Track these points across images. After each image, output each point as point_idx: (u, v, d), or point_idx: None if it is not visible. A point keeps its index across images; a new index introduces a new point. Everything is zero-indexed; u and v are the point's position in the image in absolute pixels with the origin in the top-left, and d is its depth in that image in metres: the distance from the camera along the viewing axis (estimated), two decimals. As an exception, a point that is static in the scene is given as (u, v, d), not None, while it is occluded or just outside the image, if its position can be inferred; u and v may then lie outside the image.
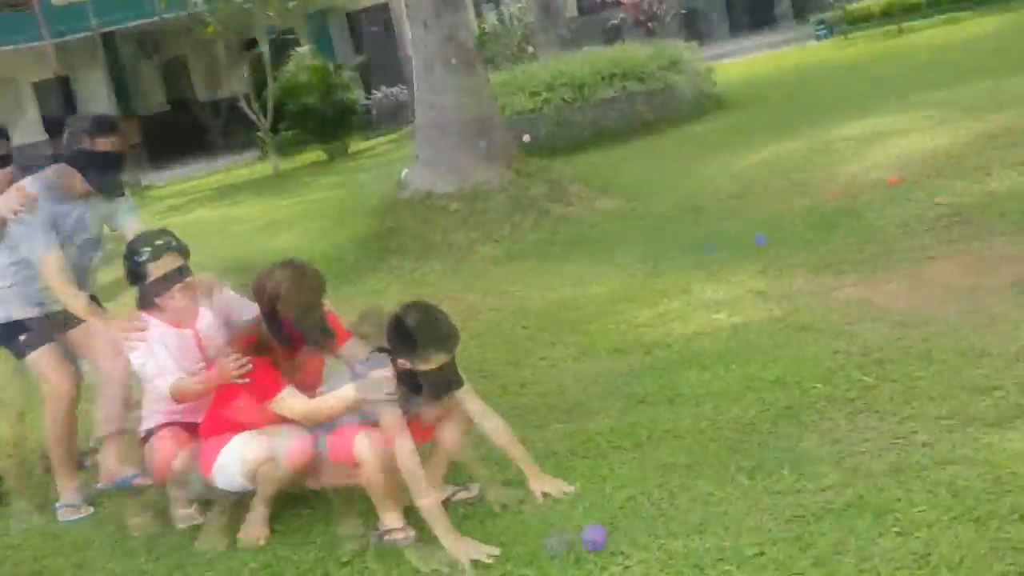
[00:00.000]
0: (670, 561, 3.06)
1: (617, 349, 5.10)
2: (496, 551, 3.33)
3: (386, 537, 3.57)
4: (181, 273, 3.89)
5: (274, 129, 19.52)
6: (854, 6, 19.91)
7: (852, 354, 4.30)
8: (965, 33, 16.01)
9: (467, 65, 8.66)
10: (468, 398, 3.60)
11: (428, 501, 3.38)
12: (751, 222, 6.96)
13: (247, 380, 3.59)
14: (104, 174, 4.24)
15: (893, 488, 3.18)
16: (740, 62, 18.65)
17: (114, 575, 3.81)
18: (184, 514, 4.11)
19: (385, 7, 25.93)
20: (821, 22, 20.04)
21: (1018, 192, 6.22)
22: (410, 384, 3.46)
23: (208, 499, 4.02)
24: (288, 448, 3.62)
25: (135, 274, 3.89)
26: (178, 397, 3.83)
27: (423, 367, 3.40)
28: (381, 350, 3.56)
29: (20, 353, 4.34)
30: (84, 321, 4.36)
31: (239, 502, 3.93)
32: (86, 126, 4.19)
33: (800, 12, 23.72)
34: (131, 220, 4.48)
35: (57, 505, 4.41)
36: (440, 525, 3.36)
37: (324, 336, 3.69)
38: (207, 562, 3.70)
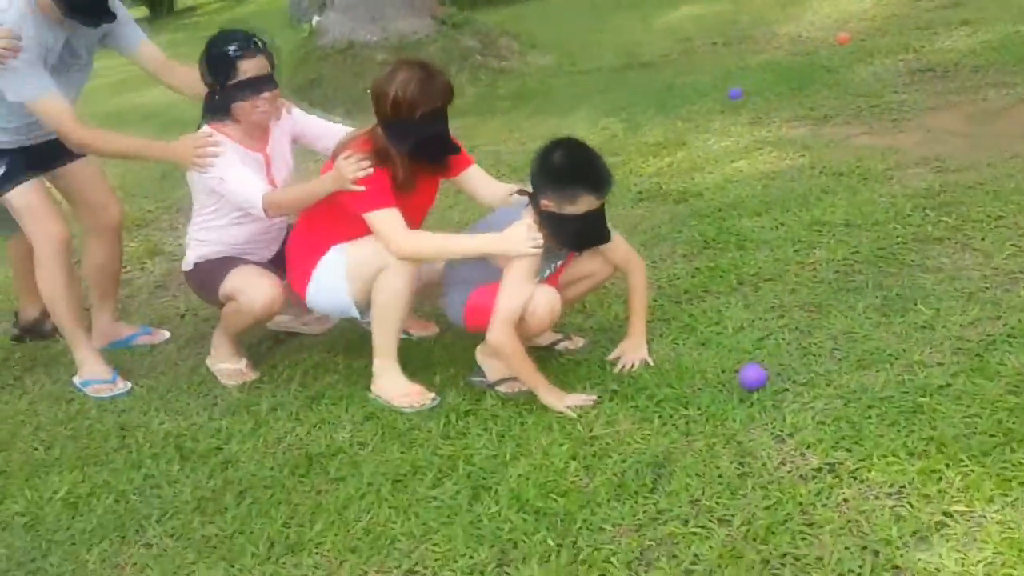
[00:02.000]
0: (851, 395, 2.94)
1: (642, 199, 4.91)
2: (593, 398, 3.14)
3: (501, 387, 3.30)
4: (271, 81, 3.40)
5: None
6: None
7: (913, 197, 4.28)
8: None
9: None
10: (617, 243, 3.27)
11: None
12: (713, 76, 6.84)
13: (363, 188, 3.14)
14: (78, 5, 3.45)
15: (1055, 318, 3.16)
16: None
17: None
18: (231, 369, 3.68)
19: None
20: None
21: (975, 50, 6.36)
22: (551, 230, 3.08)
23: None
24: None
25: (219, 69, 3.35)
26: (273, 209, 3.35)
27: (570, 210, 3.02)
28: (522, 192, 3.21)
29: None
30: (72, 159, 3.78)
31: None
32: None
33: None
34: (141, 42, 3.80)
35: (79, 381, 3.82)
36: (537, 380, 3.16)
37: (449, 149, 3.30)
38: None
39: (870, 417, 2.82)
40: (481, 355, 3.35)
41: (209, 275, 3.54)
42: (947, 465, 2.55)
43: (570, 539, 2.54)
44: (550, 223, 3.06)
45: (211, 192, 3.46)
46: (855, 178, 4.61)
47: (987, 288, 3.44)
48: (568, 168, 3.03)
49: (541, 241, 3.05)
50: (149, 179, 6.59)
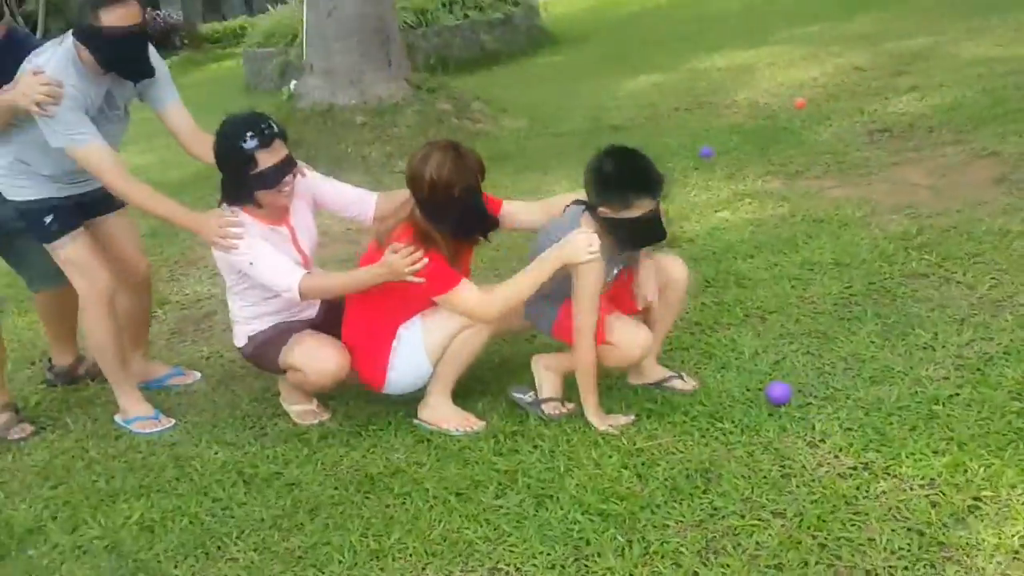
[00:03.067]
0: (870, 406, 3.25)
1: (637, 245, 5.21)
2: (632, 418, 3.39)
3: (546, 407, 3.52)
4: (291, 163, 3.47)
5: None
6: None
7: (893, 239, 4.66)
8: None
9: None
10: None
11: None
12: (681, 138, 7.25)
13: (423, 280, 3.30)
14: (117, 60, 3.58)
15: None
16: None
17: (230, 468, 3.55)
18: (304, 410, 3.82)
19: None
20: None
21: (926, 113, 6.87)
22: (612, 235, 3.24)
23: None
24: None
25: (237, 163, 3.39)
26: (310, 294, 3.49)
27: (628, 214, 3.17)
28: (578, 203, 3.37)
29: (47, 237, 3.80)
30: (114, 208, 3.97)
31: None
32: None
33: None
34: (173, 102, 3.91)
35: (121, 419, 3.96)
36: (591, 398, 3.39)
37: (488, 224, 3.47)
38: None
39: (892, 424, 3.13)
40: (538, 366, 3.56)
41: (264, 347, 3.67)
42: (969, 459, 2.87)
43: (638, 535, 2.79)
44: (610, 228, 3.23)
45: (240, 272, 3.56)
46: (835, 224, 5.00)
47: (976, 314, 3.81)
48: (620, 175, 3.20)
49: (598, 247, 3.20)
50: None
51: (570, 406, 3.52)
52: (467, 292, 3.35)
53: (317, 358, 3.55)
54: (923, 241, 4.58)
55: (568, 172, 6.80)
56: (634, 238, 3.29)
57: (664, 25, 13.64)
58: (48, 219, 3.79)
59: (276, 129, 3.43)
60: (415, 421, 3.62)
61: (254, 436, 3.75)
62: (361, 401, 3.89)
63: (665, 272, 3.51)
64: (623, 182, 3.19)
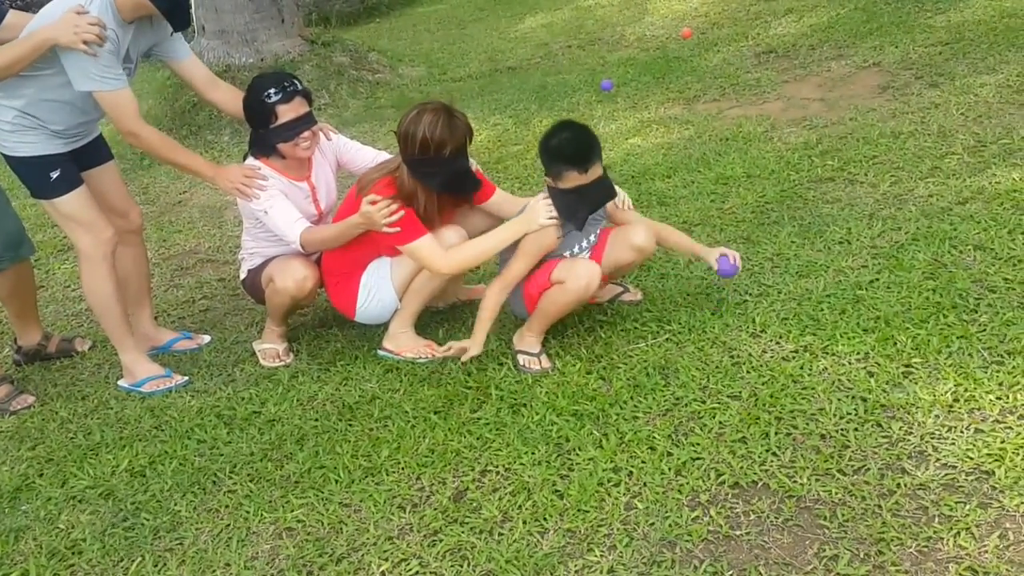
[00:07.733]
0: (800, 297, 3.58)
1: (556, 176, 5.44)
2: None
3: (519, 357, 3.56)
4: (309, 119, 3.66)
5: None
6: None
7: (796, 149, 5.01)
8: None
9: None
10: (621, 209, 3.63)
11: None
12: (580, 74, 7.48)
13: (397, 230, 3.45)
14: (174, 5, 3.55)
15: (952, 220, 3.89)
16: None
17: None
18: (270, 349, 3.98)
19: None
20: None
21: (806, 33, 7.26)
22: (555, 204, 3.36)
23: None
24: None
25: (260, 116, 3.61)
26: (310, 246, 3.64)
27: (563, 185, 3.32)
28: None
29: (48, 193, 3.74)
30: (104, 160, 3.98)
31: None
32: None
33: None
34: (187, 53, 3.89)
35: (129, 384, 3.96)
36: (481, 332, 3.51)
37: (473, 184, 3.59)
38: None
39: (822, 310, 3.46)
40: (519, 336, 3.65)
41: (255, 273, 3.88)
42: (897, 333, 3.20)
43: (612, 428, 3.04)
44: (553, 198, 3.38)
45: (256, 218, 3.74)
46: (740, 141, 5.32)
47: (882, 209, 4.17)
48: (554, 149, 3.33)
49: (552, 213, 3.37)
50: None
51: (546, 364, 3.54)
52: (429, 245, 3.48)
53: (287, 267, 3.75)
54: (824, 149, 4.93)
55: (475, 114, 6.97)
56: (569, 208, 3.38)
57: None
58: (54, 174, 3.73)
59: (299, 87, 3.65)
60: (379, 352, 3.80)
61: (223, 382, 3.88)
62: (322, 341, 4.06)
63: (628, 239, 3.59)
64: (555, 156, 3.33)
